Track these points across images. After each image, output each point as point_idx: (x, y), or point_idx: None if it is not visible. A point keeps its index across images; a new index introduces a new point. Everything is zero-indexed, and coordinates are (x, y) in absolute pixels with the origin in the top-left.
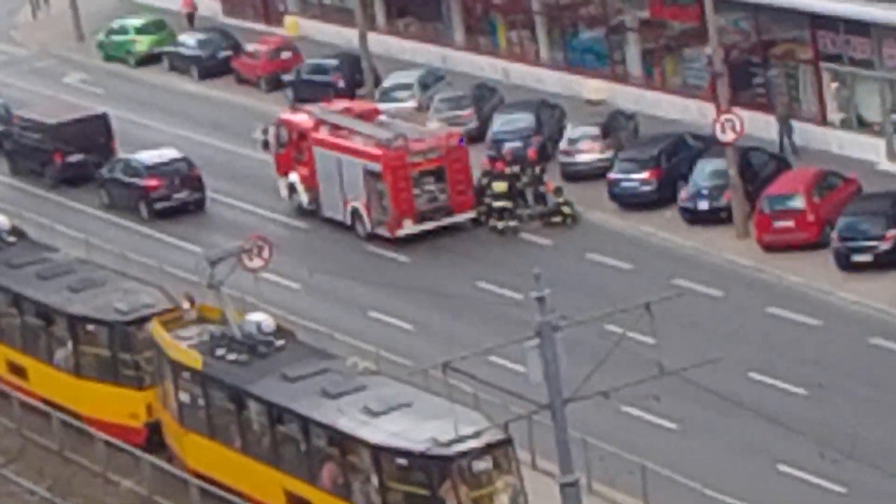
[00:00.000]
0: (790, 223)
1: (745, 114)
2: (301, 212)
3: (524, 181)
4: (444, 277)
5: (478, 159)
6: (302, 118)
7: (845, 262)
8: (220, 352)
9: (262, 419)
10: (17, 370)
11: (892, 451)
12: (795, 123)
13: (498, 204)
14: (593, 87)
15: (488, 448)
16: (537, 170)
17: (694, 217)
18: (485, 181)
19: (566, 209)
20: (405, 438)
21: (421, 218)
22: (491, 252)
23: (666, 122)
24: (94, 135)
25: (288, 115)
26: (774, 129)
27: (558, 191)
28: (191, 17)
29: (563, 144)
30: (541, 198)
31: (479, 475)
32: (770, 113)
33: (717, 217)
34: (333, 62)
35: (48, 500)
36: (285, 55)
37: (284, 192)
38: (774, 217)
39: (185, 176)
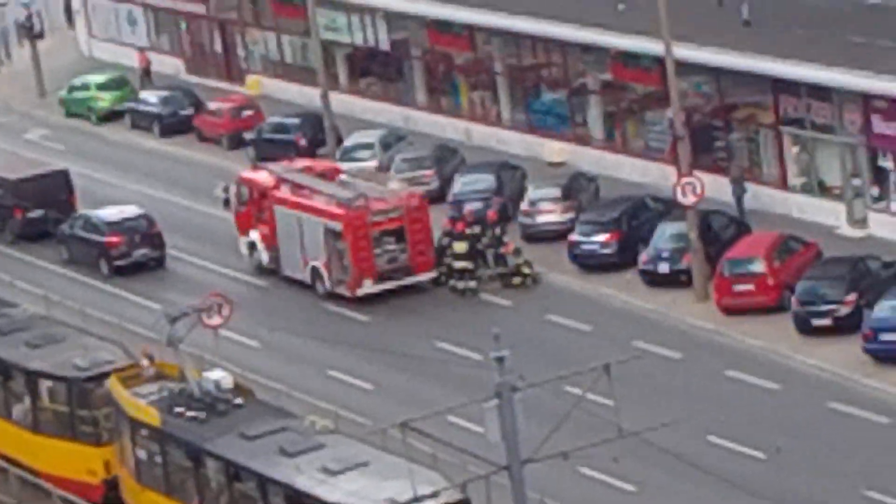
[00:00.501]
0: (750, 287)
1: (706, 177)
2: (261, 270)
3: (484, 242)
4: (404, 337)
5: (439, 220)
6: (263, 177)
7: (805, 326)
8: (178, 409)
9: (220, 477)
10: None
11: None
12: (753, 187)
13: (458, 264)
14: (555, 149)
15: None
16: (497, 231)
17: (654, 280)
18: (445, 241)
19: (526, 270)
20: (363, 498)
21: (381, 277)
22: (450, 312)
23: (627, 185)
24: (54, 191)
25: (249, 174)
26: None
27: (518, 252)
28: (146, 72)
29: (523, 205)
30: (501, 259)
31: None
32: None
33: (677, 280)
34: (295, 121)
35: None
36: (247, 113)
37: (244, 251)
38: (734, 280)
39: (146, 233)
